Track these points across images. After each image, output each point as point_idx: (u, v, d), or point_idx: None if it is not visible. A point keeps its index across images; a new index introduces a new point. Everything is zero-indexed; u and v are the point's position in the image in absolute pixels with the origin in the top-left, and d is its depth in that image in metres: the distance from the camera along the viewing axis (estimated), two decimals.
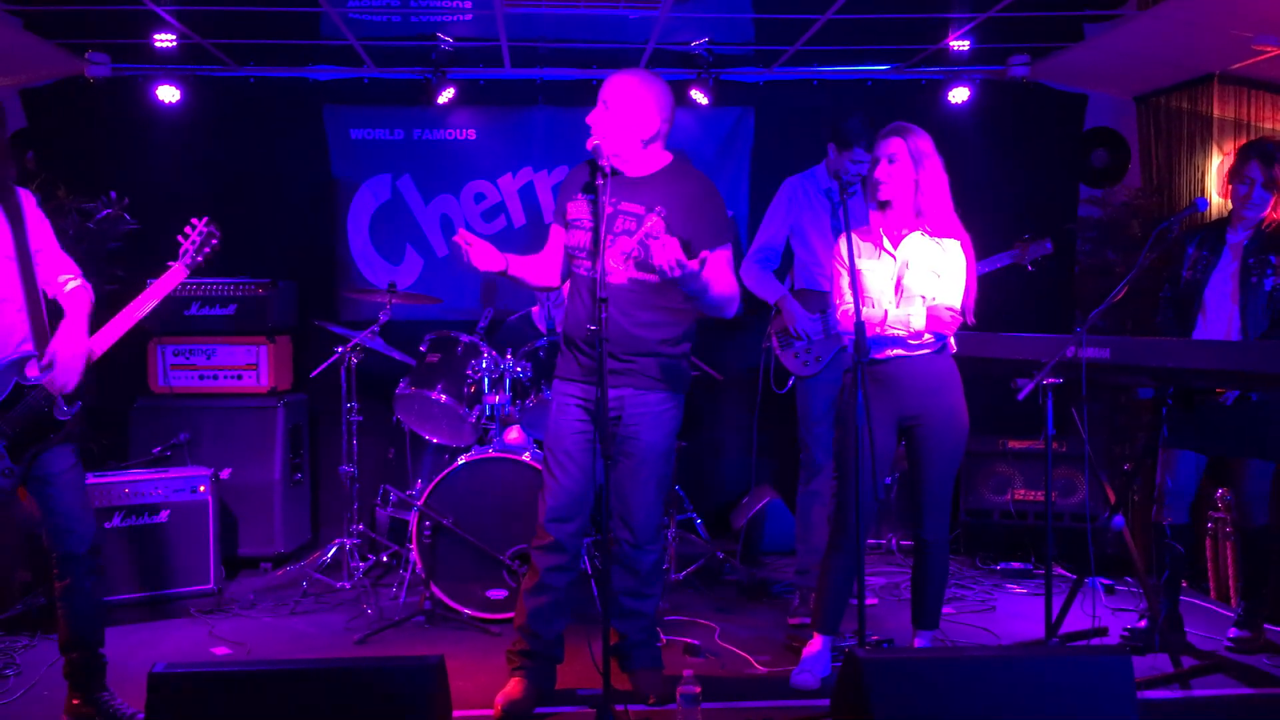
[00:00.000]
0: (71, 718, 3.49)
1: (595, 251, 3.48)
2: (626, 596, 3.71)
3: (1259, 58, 4.83)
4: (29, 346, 3.38)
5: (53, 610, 4.07)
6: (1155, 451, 4.27)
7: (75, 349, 3.35)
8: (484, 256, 3.56)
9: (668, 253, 3.19)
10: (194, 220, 3.67)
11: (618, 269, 3.52)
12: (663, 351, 3.61)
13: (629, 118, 3.50)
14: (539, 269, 3.74)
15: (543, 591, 3.64)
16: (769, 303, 4.65)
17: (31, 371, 3.36)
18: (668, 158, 3.64)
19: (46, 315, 3.43)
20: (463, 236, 3.55)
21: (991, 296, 4.25)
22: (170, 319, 5.36)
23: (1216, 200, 5.08)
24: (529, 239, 5.90)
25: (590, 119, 3.52)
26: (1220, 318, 4.11)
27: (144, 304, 3.51)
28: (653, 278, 3.50)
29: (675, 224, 3.46)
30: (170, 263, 3.59)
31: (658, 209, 3.48)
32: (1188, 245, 4.26)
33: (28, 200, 3.45)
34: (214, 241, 3.66)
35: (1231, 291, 4.08)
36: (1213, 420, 4.04)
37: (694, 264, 3.23)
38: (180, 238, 3.63)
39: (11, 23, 4.90)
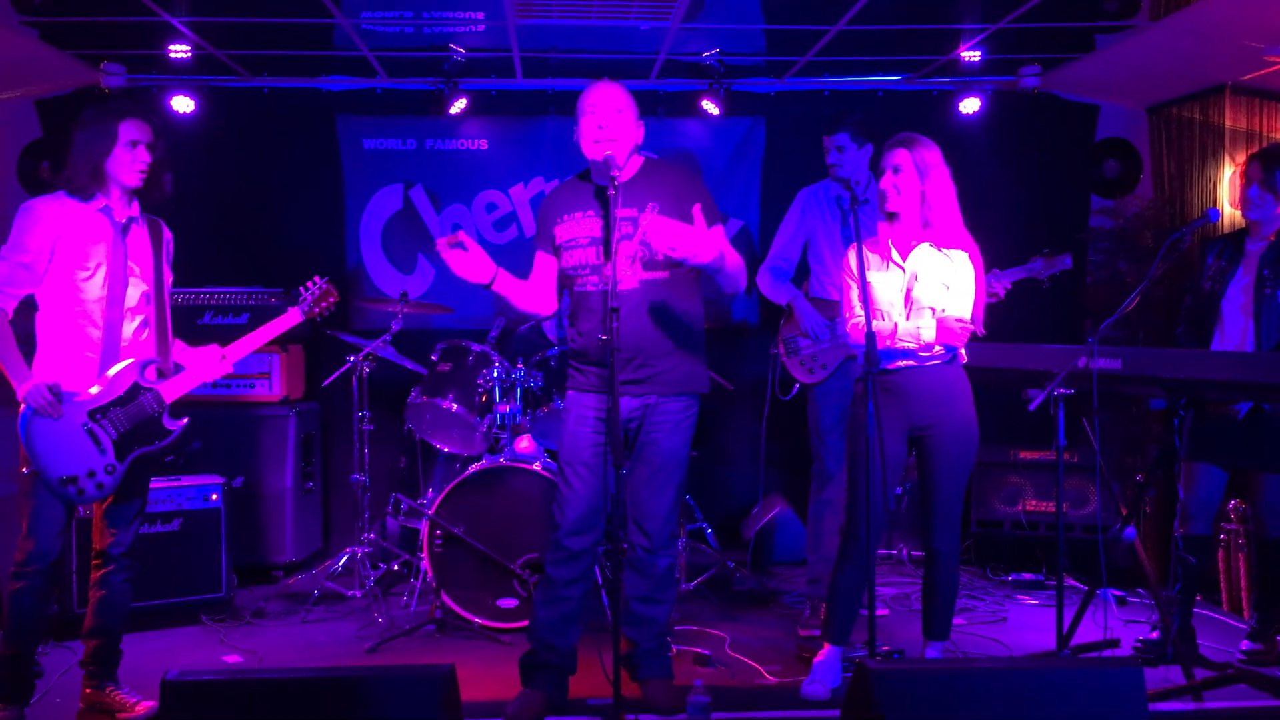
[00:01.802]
0: (87, 706, 3.68)
1: (607, 253, 3.50)
2: (639, 603, 3.71)
3: (1270, 68, 4.83)
4: (151, 353, 3.64)
5: (65, 618, 4.18)
6: (1167, 463, 4.25)
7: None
8: (467, 264, 3.52)
9: (664, 234, 3.26)
10: (316, 278, 3.97)
11: (626, 275, 3.54)
12: (681, 349, 3.63)
13: (626, 122, 3.56)
14: (528, 294, 3.74)
15: (557, 602, 3.65)
16: (782, 305, 4.66)
17: (150, 375, 3.61)
18: (640, 159, 3.70)
19: (171, 334, 3.75)
20: (449, 239, 3.50)
21: (1002, 307, 4.26)
22: (183, 328, 5.36)
23: (1228, 210, 5.08)
24: None
25: (601, 122, 3.54)
26: (1235, 329, 4.10)
27: (260, 338, 3.82)
28: (661, 275, 3.58)
29: (670, 215, 3.50)
30: (289, 307, 3.92)
31: (651, 206, 3.53)
32: (1207, 255, 4.26)
33: (168, 235, 3.79)
34: (330, 299, 3.98)
35: (1245, 303, 4.07)
36: (1228, 433, 4.03)
37: (691, 232, 3.32)
38: (302, 289, 3.95)
39: (27, 33, 4.95)
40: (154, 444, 3.60)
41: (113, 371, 3.53)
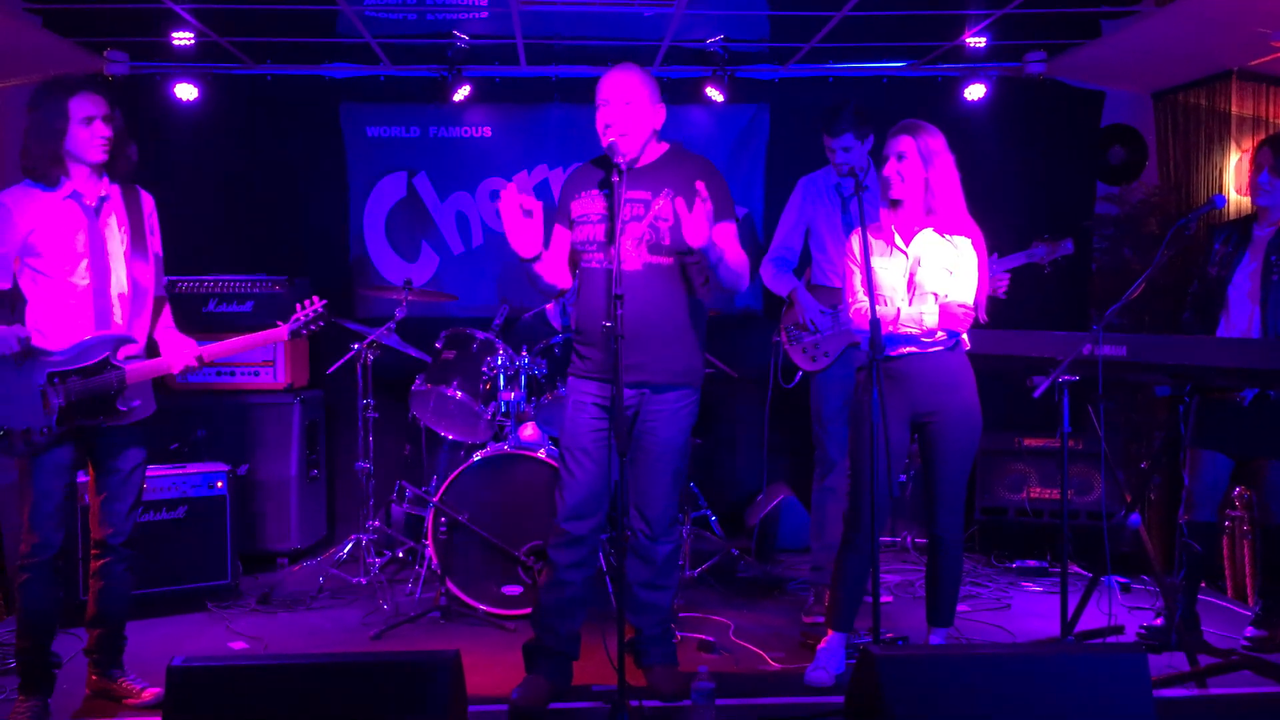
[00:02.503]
0: (93, 693, 3.69)
1: (611, 236, 3.50)
2: (642, 589, 3.72)
3: (1278, 54, 4.80)
4: (124, 331, 3.53)
5: (69, 605, 4.15)
6: (1172, 449, 4.24)
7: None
8: (523, 232, 3.49)
9: (698, 219, 3.27)
10: (314, 298, 3.81)
11: (631, 255, 3.54)
12: (680, 338, 3.63)
13: (637, 112, 3.55)
14: (554, 269, 3.75)
15: (560, 588, 3.66)
16: (784, 296, 4.67)
17: (122, 356, 3.50)
18: (665, 146, 3.71)
19: (151, 314, 3.62)
20: (524, 201, 3.44)
21: (1007, 294, 4.25)
22: (188, 316, 5.35)
23: (1234, 197, 5.06)
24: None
25: (608, 118, 3.54)
26: (1242, 315, 4.09)
27: (244, 345, 3.68)
28: (666, 260, 3.57)
29: (682, 204, 3.49)
30: (279, 322, 3.76)
31: (665, 192, 3.54)
32: (1214, 241, 4.24)
33: (148, 202, 3.63)
34: (320, 323, 3.80)
35: (1252, 289, 4.05)
36: (1234, 419, 4.02)
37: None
38: (298, 305, 3.78)
39: (30, 21, 4.94)
40: (98, 419, 3.45)
41: (91, 337, 3.44)
